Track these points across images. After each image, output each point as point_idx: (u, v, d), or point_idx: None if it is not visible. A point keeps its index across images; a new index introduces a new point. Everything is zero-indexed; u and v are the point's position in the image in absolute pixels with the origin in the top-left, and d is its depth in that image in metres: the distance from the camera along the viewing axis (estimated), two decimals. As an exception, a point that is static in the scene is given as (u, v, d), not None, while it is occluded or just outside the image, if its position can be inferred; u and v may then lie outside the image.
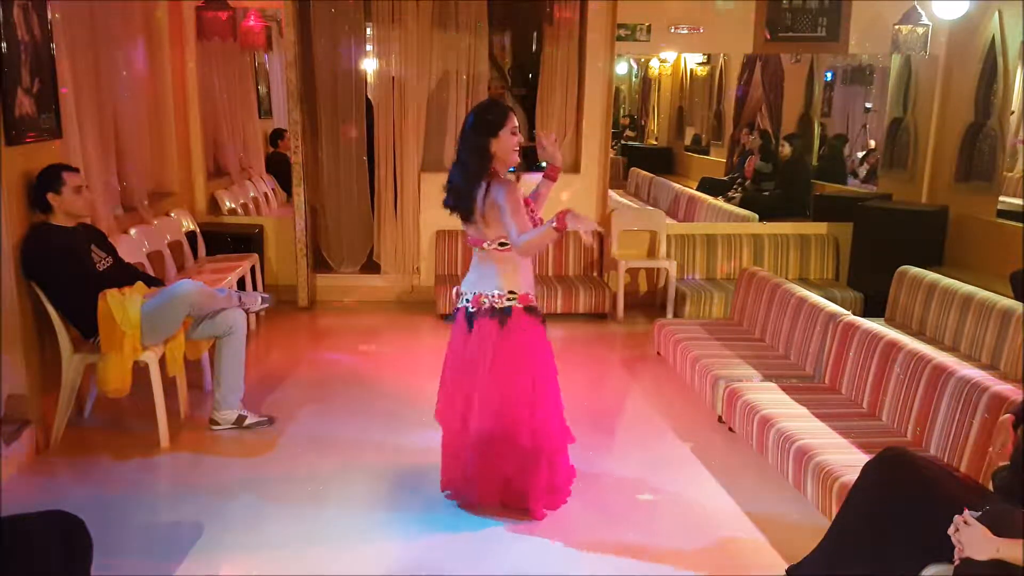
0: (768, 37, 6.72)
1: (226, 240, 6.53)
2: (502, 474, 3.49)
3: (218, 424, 4.36)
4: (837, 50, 6.91)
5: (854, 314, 4.40)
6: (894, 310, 5.36)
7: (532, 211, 3.41)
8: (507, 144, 3.28)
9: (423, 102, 6.66)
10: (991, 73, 6.21)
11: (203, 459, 4.11)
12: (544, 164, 3.59)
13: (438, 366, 3.64)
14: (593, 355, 5.80)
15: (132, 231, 5.25)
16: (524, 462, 3.44)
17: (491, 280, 3.37)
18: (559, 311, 6.33)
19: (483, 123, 3.29)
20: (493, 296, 3.35)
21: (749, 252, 6.81)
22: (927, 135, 6.86)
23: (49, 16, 4.14)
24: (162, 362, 4.21)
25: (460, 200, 3.34)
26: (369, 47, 6.99)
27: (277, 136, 8.75)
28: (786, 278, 5.86)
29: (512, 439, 3.39)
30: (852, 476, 2.99)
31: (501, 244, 3.33)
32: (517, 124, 3.32)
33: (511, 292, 3.36)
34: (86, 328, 4.07)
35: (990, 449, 2.78)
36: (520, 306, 3.37)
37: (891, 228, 6.41)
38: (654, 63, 9.29)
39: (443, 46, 6.67)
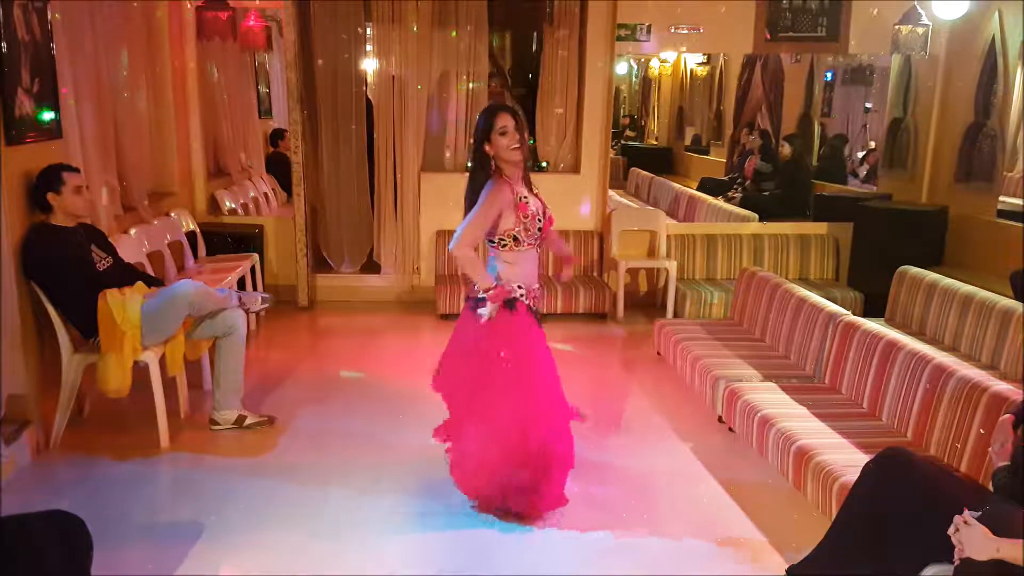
0: (768, 37, 6.72)
1: (226, 240, 6.54)
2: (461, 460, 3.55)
3: (218, 424, 4.36)
4: (837, 50, 6.91)
5: (854, 314, 4.40)
6: (894, 310, 5.36)
7: (528, 215, 3.36)
8: (499, 145, 3.33)
9: (423, 102, 6.66)
10: (991, 73, 6.21)
11: (203, 459, 4.10)
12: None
13: (438, 366, 3.65)
14: (593, 355, 5.80)
15: (132, 231, 5.25)
16: (470, 449, 3.47)
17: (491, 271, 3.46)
18: (559, 311, 6.33)
19: (477, 130, 3.40)
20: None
21: (749, 252, 6.81)
22: (927, 135, 6.86)
23: (49, 16, 4.14)
24: (162, 362, 4.21)
25: (467, 200, 3.43)
26: (369, 47, 6.99)
27: (277, 136, 8.75)
28: (786, 278, 5.86)
29: (457, 419, 3.54)
30: (852, 476, 2.99)
31: (499, 241, 3.38)
32: (506, 124, 3.32)
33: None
34: (86, 328, 4.07)
35: (990, 449, 2.78)
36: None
37: (891, 228, 6.41)
38: (654, 63, 9.29)
39: (443, 46, 6.68)
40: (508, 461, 3.41)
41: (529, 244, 3.39)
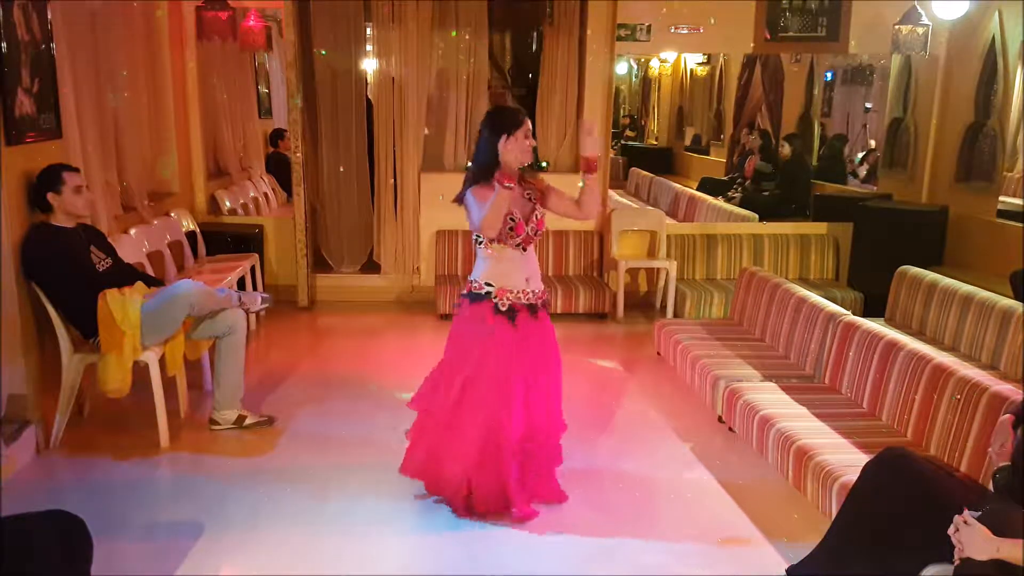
0: (768, 37, 6.72)
1: (226, 240, 6.54)
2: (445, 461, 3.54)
3: (218, 424, 4.36)
4: (837, 50, 6.91)
5: (854, 314, 4.40)
6: (894, 310, 5.36)
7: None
8: (518, 144, 3.38)
9: (423, 102, 6.66)
10: (991, 73, 6.21)
11: (203, 459, 4.11)
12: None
13: (438, 366, 3.65)
14: (593, 355, 5.80)
15: (132, 231, 5.26)
16: (460, 451, 3.47)
17: (475, 270, 3.54)
18: (559, 311, 6.32)
19: (499, 122, 3.40)
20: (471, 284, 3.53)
21: (749, 252, 6.81)
22: (927, 135, 6.85)
23: (49, 16, 4.14)
24: (162, 362, 4.21)
25: (460, 195, 3.50)
26: (369, 47, 6.99)
27: (277, 136, 8.75)
28: (786, 278, 5.86)
29: (443, 421, 3.52)
30: (852, 476, 2.99)
31: (476, 239, 3.50)
32: (531, 128, 3.45)
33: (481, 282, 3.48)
34: (86, 328, 4.07)
35: (990, 449, 2.78)
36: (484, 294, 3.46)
37: (891, 228, 6.41)
38: (654, 63, 9.29)
39: (443, 46, 6.67)
40: (467, 459, 3.45)
41: (502, 242, 3.40)
